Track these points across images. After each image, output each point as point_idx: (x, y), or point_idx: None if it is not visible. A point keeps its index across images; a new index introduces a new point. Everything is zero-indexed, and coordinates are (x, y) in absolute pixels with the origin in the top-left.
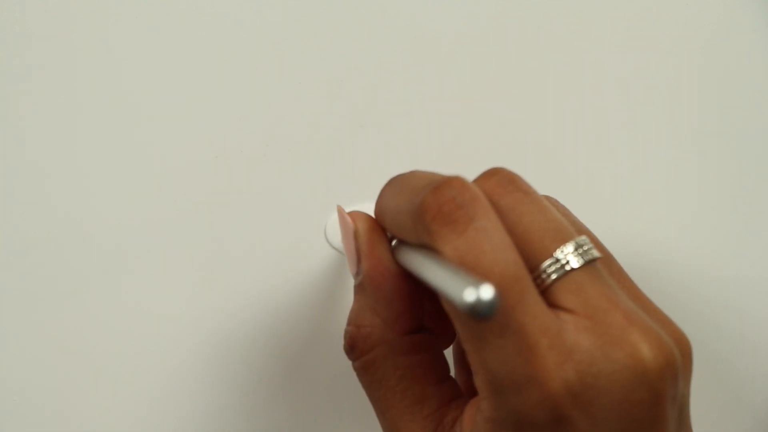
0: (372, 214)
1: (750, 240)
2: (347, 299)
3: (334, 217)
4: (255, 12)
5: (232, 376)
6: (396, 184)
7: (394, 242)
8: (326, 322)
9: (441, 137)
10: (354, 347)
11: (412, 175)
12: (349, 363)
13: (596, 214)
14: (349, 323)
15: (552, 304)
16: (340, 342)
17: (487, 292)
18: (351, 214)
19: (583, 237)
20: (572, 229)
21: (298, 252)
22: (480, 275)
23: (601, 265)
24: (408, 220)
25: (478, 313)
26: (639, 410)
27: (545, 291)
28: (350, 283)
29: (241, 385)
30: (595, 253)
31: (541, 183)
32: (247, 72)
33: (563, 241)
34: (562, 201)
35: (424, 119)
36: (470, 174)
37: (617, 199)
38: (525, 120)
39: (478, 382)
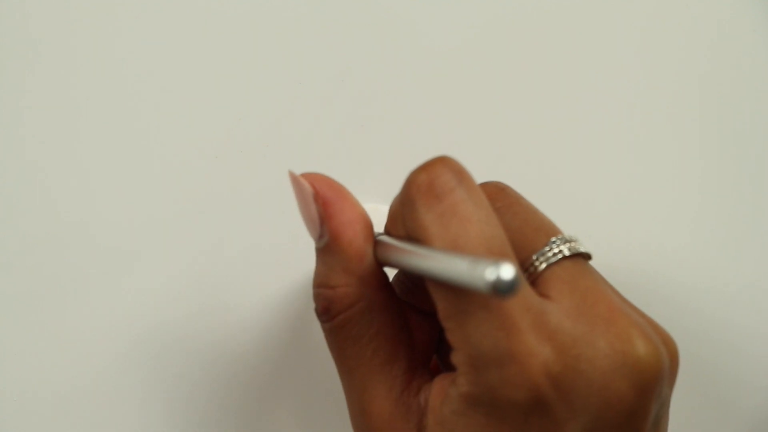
0: (370, 214)
1: (751, 244)
2: None
3: None
4: (255, 12)
5: (231, 375)
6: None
7: (376, 236)
8: None
9: (441, 137)
10: (330, 308)
11: None
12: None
13: (596, 219)
14: (319, 286)
15: (540, 294)
16: None
17: (507, 271)
18: (305, 176)
19: (573, 235)
20: (559, 229)
21: (298, 252)
22: (464, 246)
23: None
24: (397, 206)
25: (501, 289)
26: (618, 401)
27: (535, 281)
28: None
29: (241, 384)
30: (584, 249)
31: (541, 184)
32: (247, 72)
33: (554, 234)
34: (561, 206)
35: (425, 119)
36: (475, 174)
37: (618, 204)
38: (526, 121)
39: (458, 357)
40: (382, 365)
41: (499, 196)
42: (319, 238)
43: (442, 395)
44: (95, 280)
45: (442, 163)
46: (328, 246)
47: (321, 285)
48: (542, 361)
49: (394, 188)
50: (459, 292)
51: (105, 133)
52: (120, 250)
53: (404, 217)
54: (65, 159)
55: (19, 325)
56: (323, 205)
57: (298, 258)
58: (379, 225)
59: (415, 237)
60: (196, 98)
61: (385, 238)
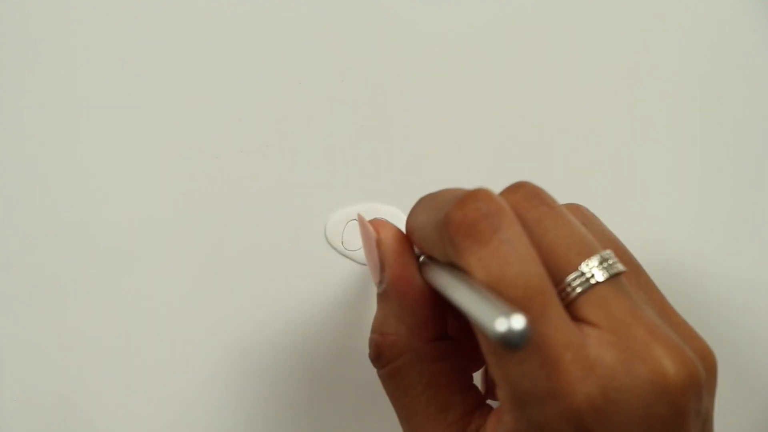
0: (369, 214)
1: (751, 244)
2: (346, 299)
3: (334, 218)
4: (255, 12)
5: (231, 375)
6: (424, 202)
7: (421, 258)
8: (326, 322)
9: (442, 137)
10: (380, 356)
11: (440, 191)
12: (349, 361)
13: (600, 216)
14: (373, 331)
15: (576, 318)
16: (340, 341)
17: (518, 321)
18: (373, 222)
19: (608, 251)
20: (596, 243)
21: (298, 252)
22: (504, 287)
23: (627, 278)
24: (434, 235)
25: (509, 342)
26: (660, 425)
27: (570, 305)
28: (350, 282)
29: (241, 383)
30: (620, 267)
31: (542, 183)
32: (247, 72)
33: (588, 255)
34: (562, 202)
35: (425, 119)
36: (476, 174)
37: (617, 203)
38: (526, 120)
39: (501, 394)
40: (436, 414)
41: (530, 205)
42: (379, 284)
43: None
44: (95, 280)
45: (478, 199)
46: (386, 293)
47: (375, 331)
48: (584, 397)
49: (393, 188)
50: None
51: (105, 133)
52: (120, 250)
53: (446, 251)
54: (65, 159)
55: (19, 325)
56: (383, 253)
57: (298, 258)
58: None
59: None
60: (196, 98)
61: (430, 265)
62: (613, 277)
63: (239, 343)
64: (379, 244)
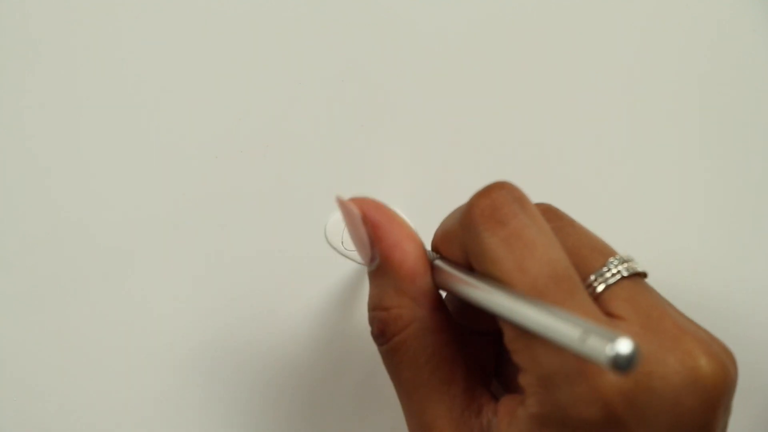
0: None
1: (751, 244)
2: (346, 299)
3: (335, 218)
4: (255, 12)
5: (231, 375)
6: (451, 211)
7: (436, 261)
8: (326, 321)
9: (442, 137)
10: (385, 330)
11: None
12: (348, 360)
13: (595, 219)
14: (373, 309)
15: (605, 313)
16: (339, 341)
17: (626, 346)
18: (354, 200)
19: (628, 254)
20: (614, 249)
21: (298, 252)
22: (530, 268)
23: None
24: (458, 229)
25: (621, 366)
26: (690, 416)
27: (595, 300)
28: (349, 282)
29: (240, 382)
30: (641, 268)
31: (541, 184)
32: (247, 72)
33: (610, 255)
34: (562, 207)
35: (425, 119)
36: (476, 174)
37: (616, 203)
38: (527, 121)
39: (527, 378)
40: (440, 386)
41: (550, 217)
42: (370, 261)
43: (508, 417)
44: (95, 280)
45: (503, 188)
46: (380, 268)
47: (375, 307)
48: (613, 379)
49: (393, 188)
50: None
51: (105, 133)
52: (120, 250)
53: (466, 240)
54: (65, 159)
55: (19, 325)
56: (372, 227)
57: (299, 258)
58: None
59: (477, 260)
60: (196, 98)
61: (447, 267)
62: (636, 275)
63: (239, 343)
64: (364, 219)
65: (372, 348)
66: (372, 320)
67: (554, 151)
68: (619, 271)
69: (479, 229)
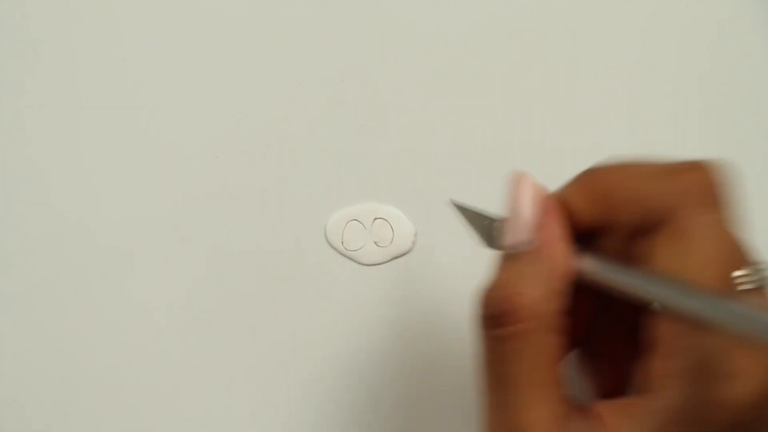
0: (378, 216)
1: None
2: (346, 299)
3: (334, 218)
4: (255, 12)
5: (231, 375)
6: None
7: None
8: (326, 322)
9: (442, 137)
10: (506, 313)
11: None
12: (348, 360)
13: None
14: (499, 287)
15: None
16: (340, 340)
17: None
18: (524, 176)
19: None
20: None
21: (298, 252)
22: (726, 256)
23: None
24: (654, 193)
25: None
26: None
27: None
28: (347, 283)
29: (240, 383)
30: None
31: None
32: (247, 72)
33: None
34: None
35: (425, 119)
36: (476, 175)
37: None
38: (526, 119)
39: (671, 365)
40: (546, 387)
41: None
42: (527, 243)
43: (622, 419)
44: (95, 280)
45: (715, 169)
46: (534, 253)
47: (503, 286)
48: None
49: (393, 188)
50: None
51: (105, 133)
52: (120, 250)
53: (666, 204)
54: (65, 159)
55: (19, 325)
56: (544, 213)
57: (298, 257)
58: (379, 226)
59: (675, 226)
60: (196, 98)
61: (601, 264)
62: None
63: (239, 344)
64: (544, 201)
65: (370, 347)
66: (495, 300)
67: (554, 151)
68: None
69: (693, 201)
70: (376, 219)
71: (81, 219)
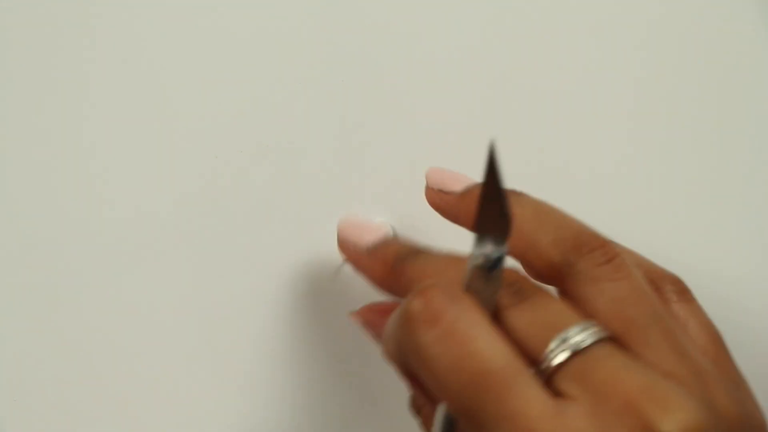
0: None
1: (749, 243)
2: (346, 299)
3: (335, 218)
4: (255, 11)
5: (232, 376)
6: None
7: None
8: (324, 320)
9: (443, 137)
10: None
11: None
12: (349, 361)
13: (595, 220)
14: None
15: (556, 393)
16: (341, 343)
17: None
18: (358, 312)
19: (586, 321)
20: (573, 316)
21: (298, 251)
22: (461, 366)
23: (642, 328)
24: (397, 332)
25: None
26: None
27: (549, 378)
28: (348, 283)
29: (241, 384)
30: (601, 334)
31: (542, 184)
32: (247, 72)
33: (561, 329)
34: (561, 206)
35: (426, 118)
36: (478, 173)
37: (616, 204)
38: (525, 122)
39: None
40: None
41: (515, 289)
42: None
43: None
44: (95, 280)
45: (434, 287)
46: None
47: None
48: None
49: (393, 187)
50: (476, 400)
51: (104, 132)
52: (119, 249)
53: (399, 342)
54: (65, 159)
55: (19, 325)
56: (372, 329)
57: (298, 257)
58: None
59: (410, 360)
60: (195, 98)
61: None
62: (591, 346)
63: (239, 344)
64: (365, 326)
65: (372, 348)
66: None
67: (554, 150)
68: (568, 346)
69: (414, 333)
70: (376, 219)
71: (81, 219)
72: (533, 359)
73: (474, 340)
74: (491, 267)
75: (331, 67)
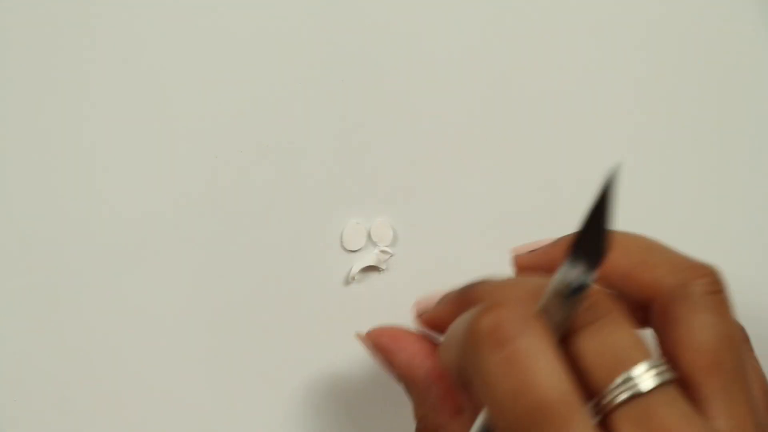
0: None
1: (747, 242)
2: (347, 299)
3: (334, 217)
4: (255, 11)
5: (232, 377)
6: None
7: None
8: (324, 320)
9: (444, 137)
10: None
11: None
12: (350, 362)
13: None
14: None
15: None
16: (342, 343)
17: None
18: (368, 335)
19: (655, 360)
20: (646, 352)
21: (298, 252)
22: (520, 396)
23: (701, 381)
24: (460, 343)
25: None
26: None
27: (605, 419)
28: (347, 283)
29: (242, 384)
30: (667, 376)
31: (540, 186)
32: (247, 72)
33: (630, 365)
34: (560, 206)
35: (427, 118)
36: (479, 176)
37: (618, 204)
38: (525, 122)
39: None
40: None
41: (586, 315)
42: (399, 383)
43: None
44: (95, 280)
45: (508, 307)
46: (405, 387)
47: (416, 419)
48: None
49: (393, 187)
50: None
51: (104, 132)
52: (119, 250)
53: (462, 358)
54: (65, 158)
55: (19, 325)
56: (384, 354)
57: (298, 258)
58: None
59: (470, 379)
60: (196, 98)
61: None
62: (657, 389)
63: (239, 344)
64: (376, 349)
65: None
66: None
67: (554, 150)
68: (633, 385)
69: (477, 351)
70: (377, 219)
71: (81, 219)
72: (595, 389)
73: (538, 371)
74: (574, 292)
75: (331, 67)
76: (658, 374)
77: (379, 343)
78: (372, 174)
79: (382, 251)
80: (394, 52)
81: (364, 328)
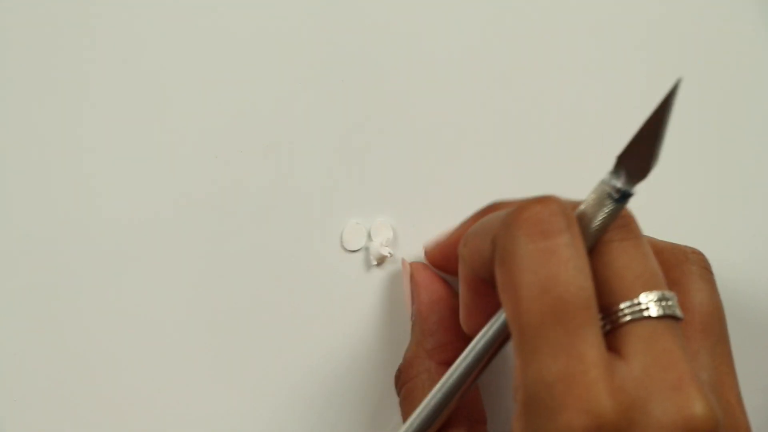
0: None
1: (746, 241)
2: (347, 299)
3: (334, 217)
4: (255, 11)
5: (233, 378)
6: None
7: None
8: (324, 319)
9: (444, 137)
10: (398, 377)
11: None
12: (354, 360)
13: None
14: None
15: (614, 346)
16: (342, 344)
17: None
18: (412, 263)
19: (671, 293)
20: (664, 281)
21: (298, 252)
22: (553, 288)
23: (695, 331)
24: (497, 228)
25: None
26: None
27: (616, 330)
28: (348, 283)
29: (242, 384)
30: (678, 312)
31: (540, 185)
32: (247, 72)
33: (651, 288)
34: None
35: (427, 118)
36: (480, 177)
37: None
38: (527, 121)
39: (517, 397)
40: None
41: (621, 233)
42: (411, 315)
43: None
44: (95, 281)
45: (556, 202)
46: (414, 320)
47: (403, 357)
48: (600, 415)
49: (394, 186)
50: (536, 327)
51: (104, 132)
52: (119, 250)
53: (499, 237)
54: (64, 159)
55: (19, 325)
56: (414, 285)
57: (298, 258)
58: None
59: (502, 259)
60: (195, 98)
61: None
62: (667, 318)
63: (240, 344)
64: (411, 277)
65: (373, 348)
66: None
67: (554, 150)
68: (648, 308)
69: (519, 232)
70: (377, 219)
71: (80, 219)
72: (610, 302)
73: (571, 269)
74: (618, 200)
75: (331, 67)
76: (670, 306)
77: (416, 275)
78: (372, 174)
79: (382, 251)
80: (394, 52)
81: (365, 328)
